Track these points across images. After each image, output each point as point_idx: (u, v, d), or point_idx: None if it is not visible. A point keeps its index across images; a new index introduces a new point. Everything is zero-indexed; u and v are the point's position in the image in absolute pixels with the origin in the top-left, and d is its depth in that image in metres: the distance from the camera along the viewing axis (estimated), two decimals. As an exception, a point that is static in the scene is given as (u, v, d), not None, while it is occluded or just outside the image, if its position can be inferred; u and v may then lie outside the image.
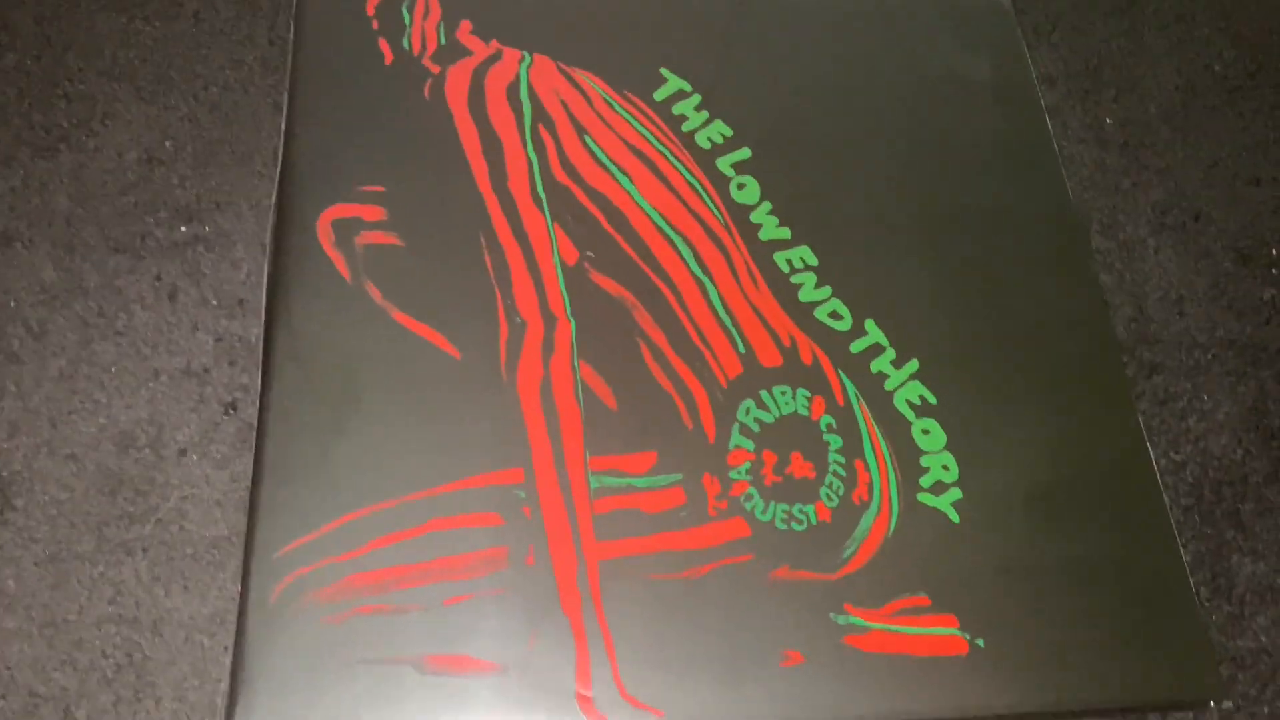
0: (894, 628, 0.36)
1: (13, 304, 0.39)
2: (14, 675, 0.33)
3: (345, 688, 0.33)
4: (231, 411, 0.38)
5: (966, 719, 0.36)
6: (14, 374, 0.38)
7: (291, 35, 0.45)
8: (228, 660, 0.33)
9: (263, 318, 0.38)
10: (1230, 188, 0.48)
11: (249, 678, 0.33)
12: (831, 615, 0.36)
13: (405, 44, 0.45)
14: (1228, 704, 0.36)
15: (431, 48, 0.45)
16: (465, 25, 0.45)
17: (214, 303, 0.40)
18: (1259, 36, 0.52)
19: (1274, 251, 0.46)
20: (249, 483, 0.35)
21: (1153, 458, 0.39)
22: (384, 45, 0.44)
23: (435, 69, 0.44)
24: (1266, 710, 0.37)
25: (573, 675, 0.34)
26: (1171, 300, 0.44)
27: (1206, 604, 0.38)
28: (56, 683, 0.34)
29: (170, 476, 0.37)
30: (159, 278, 0.40)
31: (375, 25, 0.45)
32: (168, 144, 0.43)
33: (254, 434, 0.36)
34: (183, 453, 0.37)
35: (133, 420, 0.38)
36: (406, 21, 0.45)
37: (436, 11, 0.46)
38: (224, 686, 0.32)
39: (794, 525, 0.37)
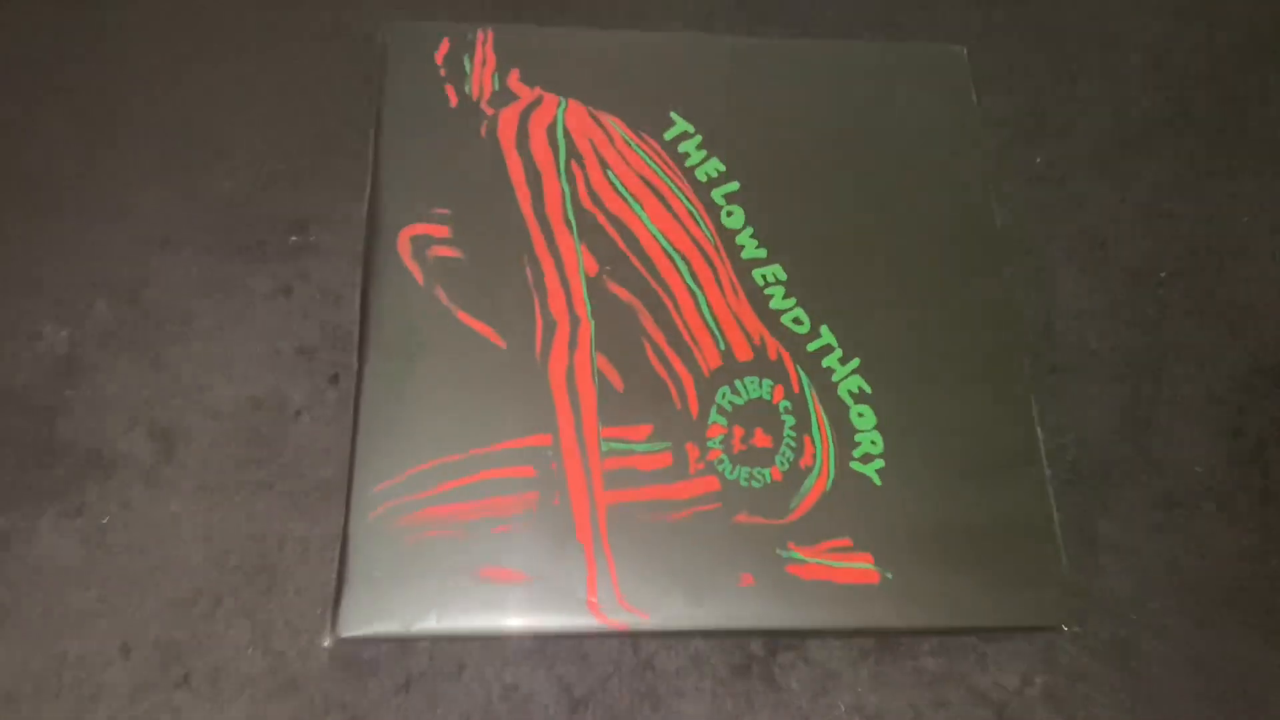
0: (824, 561, 0.47)
1: (166, 295, 0.51)
2: (181, 573, 0.46)
3: (420, 589, 0.44)
4: (334, 382, 0.50)
5: (876, 628, 0.47)
6: (171, 353, 0.50)
7: (377, 79, 0.56)
8: (335, 567, 0.45)
9: (357, 311, 0.50)
10: (1136, 219, 0.58)
11: (351, 580, 0.44)
12: (778, 550, 0.46)
13: (467, 89, 0.55)
14: (1077, 629, 0.48)
15: (488, 93, 0.55)
16: (514, 73, 0.56)
17: (318, 297, 0.52)
18: (1180, 85, 0.61)
19: (1162, 274, 0.57)
20: (349, 437, 0.46)
21: (1040, 440, 0.50)
22: (450, 90, 0.55)
23: (490, 111, 0.55)
24: (1107, 635, 0.49)
25: (584, 586, 0.45)
26: (1073, 313, 0.55)
27: (1070, 554, 0.49)
28: (212, 579, 0.46)
29: (290, 431, 0.49)
30: (276, 276, 0.52)
31: (443, 73, 0.55)
32: (282, 167, 0.54)
33: (352, 400, 0.47)
34: (298, 413, 0.49)
35: (260, 388, 0.49)
36: (468, 70, 0.56)
37: (491, 62, 0.56)
38: (333, 586, 0.44)
39: (754, 483, 0.48)
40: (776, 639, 0.47)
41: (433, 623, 0.44)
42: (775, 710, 0.46)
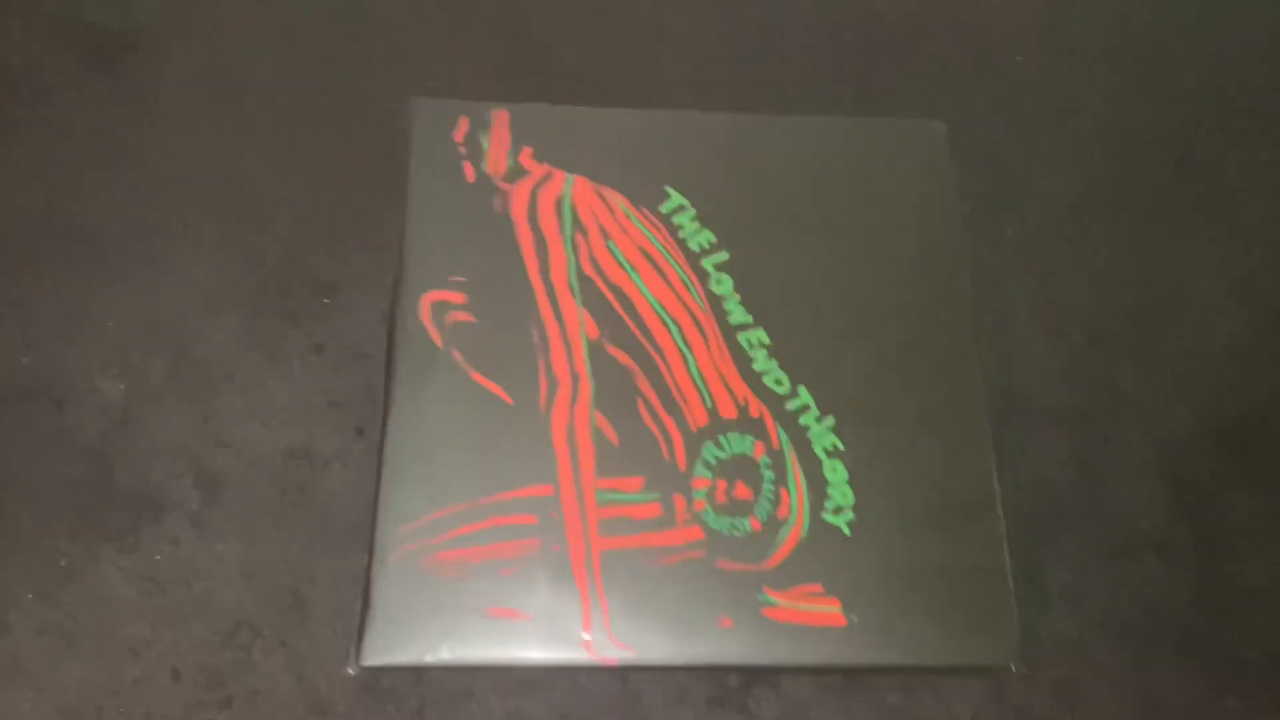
0: (796, 605, 0.51)
1: (213, 352, 0.57)
2: (224, 606, 0.52)
3: (434, 624, 0.49)
4: (361, 435, 0.56)
5: (843, 666, 0.52)
6: (215, 407, 0.55)
7: (404, 154, 0.60)
8: (359, 604, 0.50)
9: (383, 370, 0.56)
10: (1098, 285, 0.62)
11: (373, 615, 0.49)
12: (755, 594, 0.51)
13: (483, 166, 0.60)
14: (1025, 669, 0.53)
15: (502, 170, 0.61)
16: (527, 151, 0.61)
17: (347, 356, 0.57)
18: (1134, 157, 0.66)
19: (1115, 336, 0.61)
20: (373, 484, 0.51)
21: (998, 492, 0.55)
22: (468, 167, 0.60)
23: (505, 187, 0.60)
24: (1052, 675, 0.54)
25: (580, 625, 0.50)
26: (1035, 373, 0.60)
27: (1021, 599, 0.54)
28: (251, 612, 0.51)
29: (320, 479, 0.55)
30: (310, 335, 0.58)
31: (462, 150, 0.61)
32: (315, 234, 0.60)
33: (377, 451, 0.53)
34: (328, 463, 0.55)
35: (295, 438, 0.55)
36: (484, 148, 0.61)
37: (506, 140, 0.61)
38: (358, 620, 0.50)
39: (735, 532, 0.52)
40: (752, 674, 0.52)
41: (445, 654, 0.49)
42: (749, 737, 0.51)
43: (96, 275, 0.58)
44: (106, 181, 0.60)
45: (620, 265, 0.59)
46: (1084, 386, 0.60)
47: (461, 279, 0.57)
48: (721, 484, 0.54)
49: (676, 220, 0.60)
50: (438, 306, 0.56)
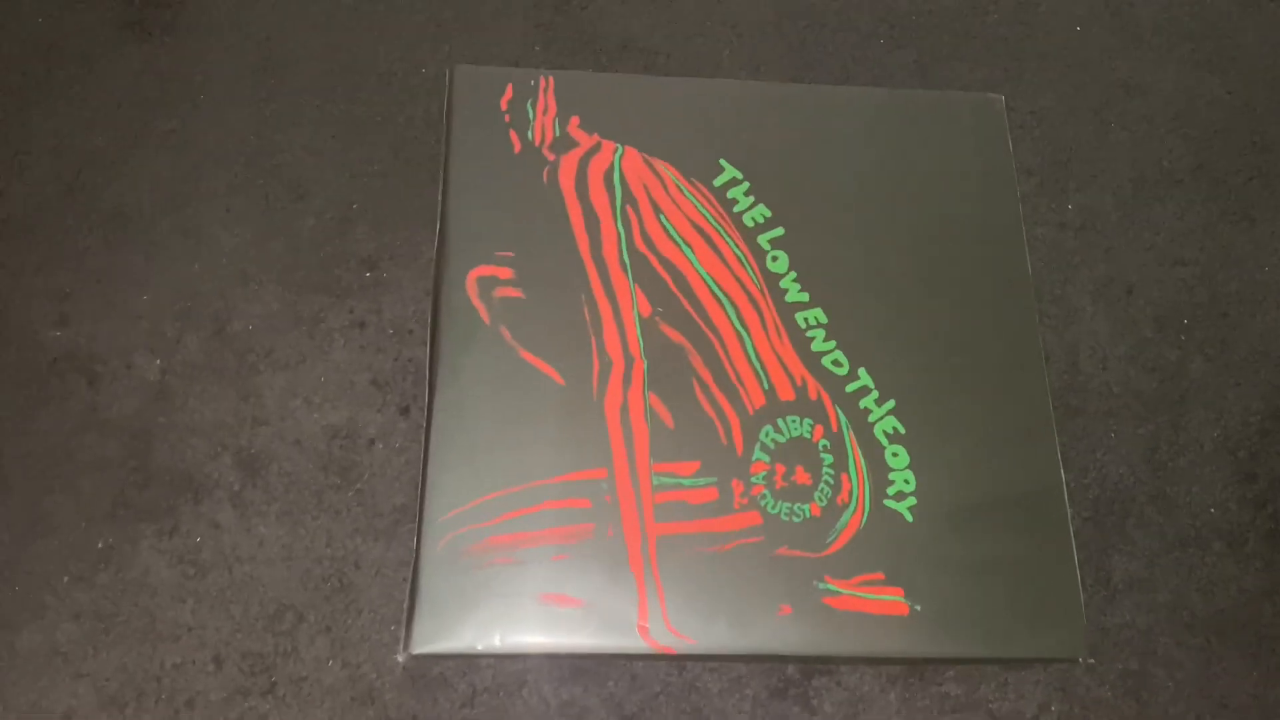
0: (858, 594, 0.50)
1: (250, 328, 0.55)
2: (266, 590, 0.50)
3: (485, 611, 0.47)
4: (405, 414, 0.54)
5: (905, 657, 0.50)
6: (254, 384, 0.54)
7: (444, 124, 0.59)
8: (406, 588, 0.49)
9: (427, 347, 0.54)
10: (1160, 266, 0.61)
11: (421, 602, 0.47)
12: (815, 582, 0.49)
13: (529, 135, 0.58)
14: (1091, 661, 0.51)
15: (549, 139, 0.59)
16: (574, 120, 0.59)
17: (390, 332, 0.56)
18: (1204, 136, 0.64)
19: (1185, 321, 0.60)
20: (419, 466, 0.50)
21: (1064, 480, 0.53)
22: (513, 136, 0.58)
23: (551, 157, 0.58)
24: (1121, 667, 0.52)
25: (636, 612, 0.48)
26: (1099, 358, 0.58)
27: (1088, 589, 0.53)
28: (295, 597, 0.50)
29: (364, 459, 0.53)
30: (351, 311, 0.56)
31: (507, 119, 0.59)
32: (354, 207, 0.58)
33: (422, 432, 0.51)
34: (371, 442, 0.53)
35: (337, 418, 0.53)
36: (530, 116, 0.59)
37: (553, 109, 0.59)
38: (405, 605, 0.48)
39: (794, 518, 0.51)
40: (812, 665, 0.51)
41: (496, 642, 0.48)
42: (809, 730, 0.50)
43: (131, 249, 0.56)
44: (141, 153, 0.58)
45: (673, 240, 0.57)
46: (1151, 373, 0.58)
47: (509, 254, 0.55)
48: (780, 468, 0.52)
49: (730, 194, 0.58)
50: (485, 282, 0.54)
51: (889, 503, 0.52)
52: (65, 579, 0.49)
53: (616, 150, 0.58)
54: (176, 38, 0.61)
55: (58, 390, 0.53)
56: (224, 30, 0.61)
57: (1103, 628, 0.52)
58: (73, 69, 0.59)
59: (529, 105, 0.59)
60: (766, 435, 0.53)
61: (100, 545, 0.50)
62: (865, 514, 0.52)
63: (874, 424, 0.54)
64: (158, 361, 0.54)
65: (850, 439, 0.53)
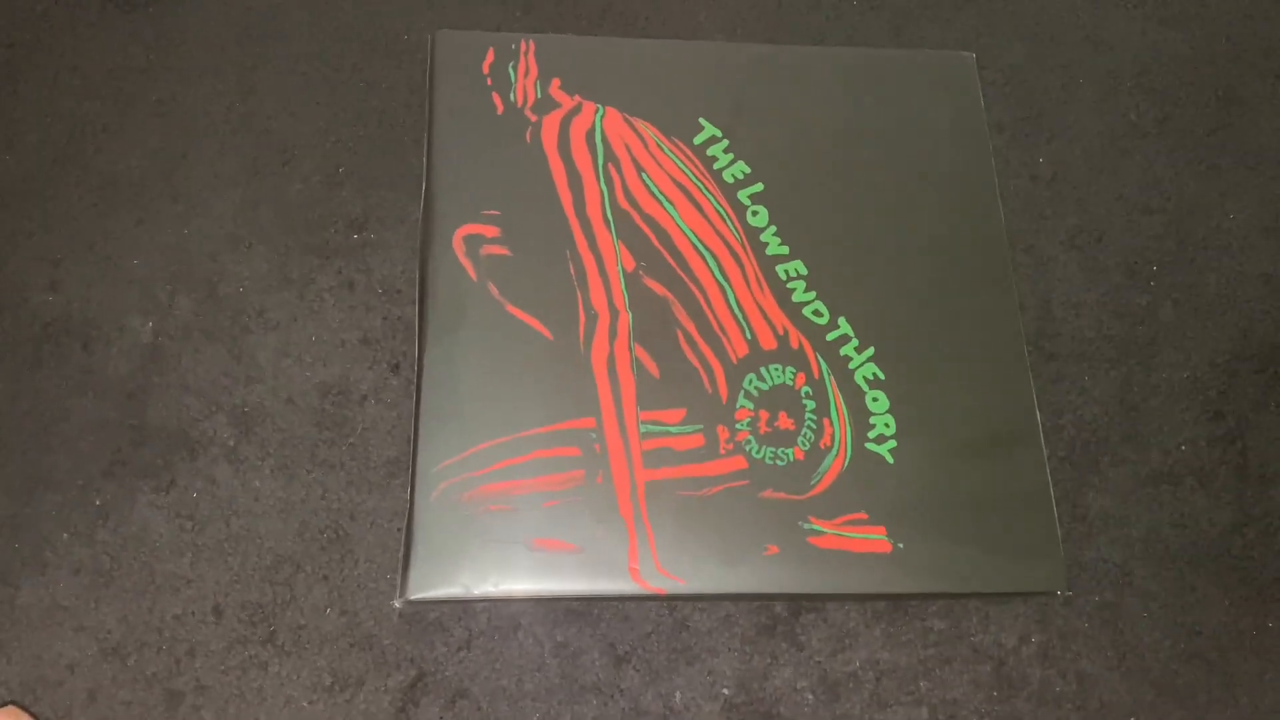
0: (841, 533, 0.51)
1: (241, 289, 0.56)
2: (264, 542, 0.51)
3: (479, 557, 0.49)
4: (396, 370, 0.55)
5: (888, 593, 0.52)
6: (247, 342, 0.54)
7: (427, 88, 0.60)
8: (401, 538, 0.50)
9: (416, 305, 0.55)
10: (1129, 215, 0.62)
11: (417, 548, 0.49)
12: (799, 523, 0.51)
13: (512, 97, 0.59)
14: (1069, 593, 0.53)
15: (531, 100, 0.60)
16: (555, 82, 0.60)
17: (380, 291, 0.56)
18: (1169, 90, 0.66)
19: (1154, 268, 0.61)
20: (411, 420, 0.51)
21: (1040, 421, 0.55)
22: (496, 98, 0.59)
23: (534, 118, 0.59)
24: (1097, 599, 0.54)
25: (626, 555, 0.49)
26: (1071, 304, 0.60)
27: (1065, 525, 0.54)
28: (291, 548, 0.51)
29: (356, 414, 0.54)
30: (340, 272, 0.57)
31: (489, 82, 0.59)
32: (341, 170, 0.59)
33: (413, 387, 0.52)
34: (364, 398, 0.54)
35: (329, 375, 0.54)
36: (512, 79, 0.60)
37: (534, 71, 0.60)
38: (401, 553, 0.50)
39: (778, 462, 0.52)
40: (798, 602, 0.52)
41: (491, 587, 0.49)
42: (797, 666, 0.51)
43: (121, 214, 0.57)
44: (130, 121, 0.59)
45: (655, 197, 0.58)
46: (1122, 318, 0.59)
47: (495, 212, 0.56)
48: (764, 414, 0.54)
49: (710, 152, 0.59)
50: (471, 240, 0.55)
51: (870, 445, 0.54)
52: (65, 535, 0.50)
53: (597, 111, 0.60)
54: (163, 6, 0.61)
55: (52, 354, 0.53)
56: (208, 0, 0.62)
57: (1079, 562, 0.54)
58: (61, 39, 0.60)
59: (510, 68, 0.60)
60: (750, 383, 0.54)
61: (98, 502, 0.51)
62: (847, 457, 0.53)
63: (854, 370, 0.55)
64: (150, 324, 0.55)
65: (831, 385, 0.55)
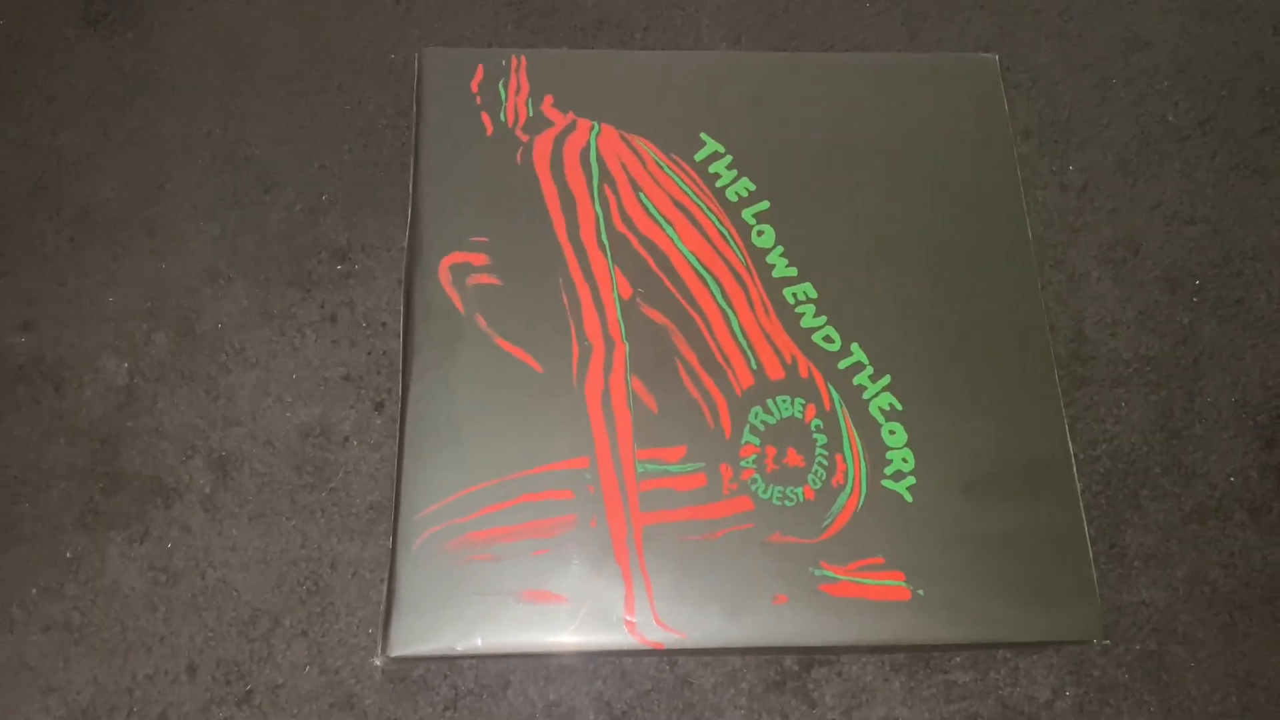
0: (856, 579, 0.48)
1: (220, 326, 0.53)
2: (240, 595, 0.48)
3: (465, 610, 0.45)
4: (380, 409, 0.52)
5: (908, 644, 0.48)
6: (225, 382, 0.52)
7: (414, 109, 0.57)
8: (384, 589, 0.47)
9: (401, 340, 0.52)
10: (1168, 226, 0.58)
11: (399, 602, 0.45)
12: (810, 569, 0.47)
13: (502, 116, 0.56)
14: (1106, 642, 0.49)
15: (522, 119, 0.56)
16: (548, 99, 0.57)
17: (363, 325, 0.54)
18: (1210, 89, 0.61)
19: (1197, 282, 0.57)
20: (395, 462, 0.48)
21: (1072, 453, 0.50)
22: (485, 118, 0.56)
23: (525, 138, 0.56)
24: (1139, 648, 0.49)
25: (622, 606, 0.46)
26: (1106, 324, 0.55)
27: (1102, 567, 0.50)
28: (269, 601, 0.48)
29: (338, 457, 0.51)
30: (323, 305, 0.54)
31: (478, 100, 0.56)
32: (324, 198, 0.56)
33: (397, 426, 0.49)
34: (346, 439, 0.51)
35: (309, 415, 0.51)
36: (503, 97, 0.57)
37: (525, 88, 0.57)
38: (382, 607, 0.47)
39: (786, 502, 0.49)
40: (810, 655, 0.48)
41: (477, 642, 0.46)
42: (809, 724, 0.47)
43: (97, 249, 0.54)
44: (107, 151, 0.57)
45: (653, 219, 0.54)
46: (1162, 337, 0.55)
47: (483, 239, 0.53)
48: (771, 451, 0.50)
49: (712, 169, 0.56)
50: (458, 269, 0.52)
51: (887, 483, 0.50)
52: (33, 590, 0.48)
53: (592, 128, 0.56)
54: (139, 32, 0.59)
55: (24, 397, 0.51)
56: (187, 23, 0.60)
57: (1118, 607, 0.50)
58: (36, 66, 0.58)
59: (500, 86, 0.57)
60: (756, 417, 0.51)
61: (69, 555, 0.49)
62: (862, 496, 0.50)
63: (869, 401, 0.51)
64: (125, 364, 0.52)
65: (844, 418, 0.51)
